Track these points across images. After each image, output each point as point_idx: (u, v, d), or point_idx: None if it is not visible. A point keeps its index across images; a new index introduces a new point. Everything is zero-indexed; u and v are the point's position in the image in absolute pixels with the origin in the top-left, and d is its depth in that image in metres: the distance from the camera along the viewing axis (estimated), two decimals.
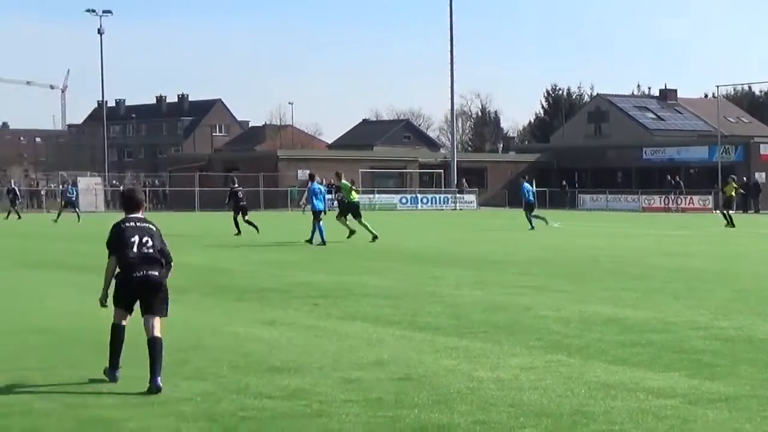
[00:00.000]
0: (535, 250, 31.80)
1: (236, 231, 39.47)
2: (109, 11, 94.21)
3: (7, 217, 58.46)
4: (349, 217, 35.60)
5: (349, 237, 35.09)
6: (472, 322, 15.38)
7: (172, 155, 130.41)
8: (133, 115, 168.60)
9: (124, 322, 10.95)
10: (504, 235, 41.66)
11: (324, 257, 28.72)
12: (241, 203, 40.47)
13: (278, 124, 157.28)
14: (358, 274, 23.52)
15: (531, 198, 46.74)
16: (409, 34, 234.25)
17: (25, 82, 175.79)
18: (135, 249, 10.82)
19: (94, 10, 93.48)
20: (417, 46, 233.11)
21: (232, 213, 40.65)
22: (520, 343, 13.36)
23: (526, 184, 47.26)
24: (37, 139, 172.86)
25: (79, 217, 54.57)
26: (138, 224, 11.02)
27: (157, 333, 10.73)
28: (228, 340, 13.47)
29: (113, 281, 10.99)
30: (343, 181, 37.01)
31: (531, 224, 45.20)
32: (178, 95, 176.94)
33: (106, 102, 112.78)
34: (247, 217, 39.91)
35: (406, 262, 27.01)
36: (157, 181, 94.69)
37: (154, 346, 10.63)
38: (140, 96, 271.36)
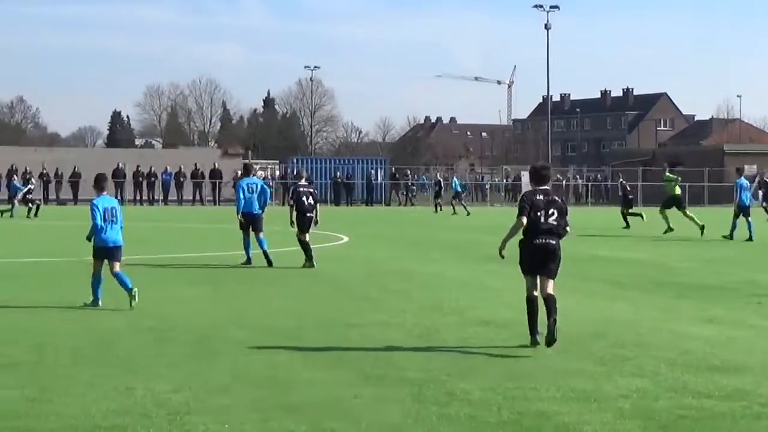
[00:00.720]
0: None
1: (625, 225, 40.54)
2: (556, 6, 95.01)
3: (436, 210, 59.80)
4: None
5: (665, 233, 35.31)
6: None
7: (615, 149, 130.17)
8: (578, 110, 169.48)
9: (535, 293, 12.18)
10: None
11: (766, 254, 27.97)
12: (629, 197, 42.57)
13: (725, 117, 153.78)
14: None
15: None
16: None
17: (473, 78, 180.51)
18: (543, 219, 12.15)
19: (541, 6, 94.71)
20: None
21: (620, 207, 42.82)
22: None
23: None
24: (483, 134, 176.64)
25: (459, 210, 56.78)
26: (546, 197, 12.28)
27: (551, 291, 12.18)
28: (667, 338, 13.40)
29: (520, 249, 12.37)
30: (667, 173, 37.45)
31: None
32: (623, 89, 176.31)
33: (551, 97, 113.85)
34: (631, 210, 41.72)
35: None
36: (599, 176, 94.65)
37: (549, 301, 12.07)
38: (585, 90, 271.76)
